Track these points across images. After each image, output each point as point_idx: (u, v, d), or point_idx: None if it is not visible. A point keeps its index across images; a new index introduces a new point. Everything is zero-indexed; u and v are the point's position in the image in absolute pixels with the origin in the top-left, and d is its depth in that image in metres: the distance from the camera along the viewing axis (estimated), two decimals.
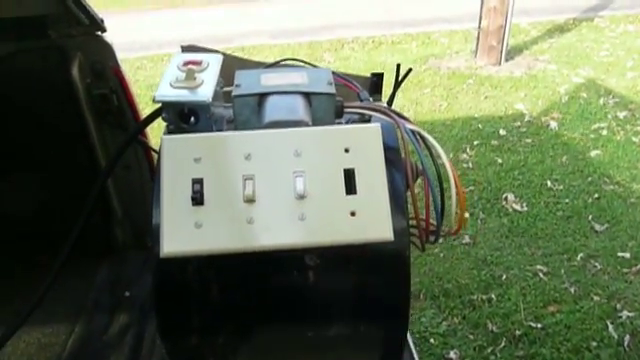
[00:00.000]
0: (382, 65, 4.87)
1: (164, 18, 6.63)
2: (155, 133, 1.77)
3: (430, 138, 0.83)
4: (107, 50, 1.45)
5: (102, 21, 1.37)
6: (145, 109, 1.68)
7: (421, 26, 5.92)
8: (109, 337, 1.45)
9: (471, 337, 2.11)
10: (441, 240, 0.90)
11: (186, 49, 1.12)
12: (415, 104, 4.14)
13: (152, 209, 0.78)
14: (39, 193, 1.61)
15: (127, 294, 1.61)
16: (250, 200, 0.73)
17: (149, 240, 1.75)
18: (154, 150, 1.59)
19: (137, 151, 1.61)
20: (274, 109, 0.81)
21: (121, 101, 1.51)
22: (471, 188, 3.06)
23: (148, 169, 1.66)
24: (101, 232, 1.69)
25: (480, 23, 4.73)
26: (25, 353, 1.42)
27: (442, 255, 2.54)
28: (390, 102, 1.04)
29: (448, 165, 0.81)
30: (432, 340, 2.12)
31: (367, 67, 4.81)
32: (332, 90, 0.85)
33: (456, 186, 0.80)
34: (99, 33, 1.41)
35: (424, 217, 0.84)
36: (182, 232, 0.72)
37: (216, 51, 1.06)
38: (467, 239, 2.64)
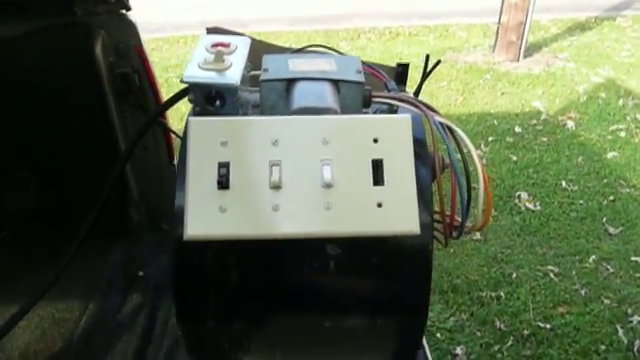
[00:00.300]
0: (399, 56, 4.82)
1: (180, 0, 6.60)
2: (172, 114, 1.77)
3: (459, 131, 0.82)
4: (131, 29, 1.44)
5: None
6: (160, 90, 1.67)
7: (439, 18, 5.85)
8: (122, 316, 1.46)
9: (478, 334, 2.11)
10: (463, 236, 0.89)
11: (211, 31, 1.10)
12: (431, 97, 4.10)
13: (175, 191, 0.77)
14: (58, 171, 1.62)
15: (141, 274, 1.62)
16: (276, 186, 0.72)
17: (164, 222, 1.76)
18: (173, 131, 1.59)
19: (156, 132, 1.61)
20: (302, 95, 0.80)
21: (142, 81, 1.51)
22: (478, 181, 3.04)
23: (166, 150, 1.66)
24: (116, 212, 1.69)
25: (500, 18, 4.67)
26: (39, 327, 1.44)
27: (452, 250, 2.53)
28: (417, 93, 1.02)
29: (477, 160, 0.79)
30: (439, 335, 2.11)
31: (383, 57, 4.76)
32: (361, 79, 0.84)
33: (484, 182, 0.79)
34: (123, 11, 1.40)
35: (447, 211, 0.83)
36: (206, 215, 0.71)
37: (241, 34, 1.04)
38: (478, 235, 2.63)
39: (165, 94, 1.67)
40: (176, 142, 1.74)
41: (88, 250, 1.06)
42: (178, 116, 2.72)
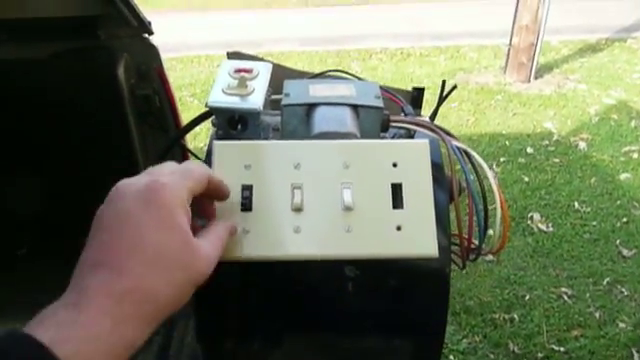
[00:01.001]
0: (410, 77, 4.87)
1: (194, 20, 6.73)
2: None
3: (477, 156, 0.83)
4: (152, 52, 1.48)
5: (149, 23, 1.40)
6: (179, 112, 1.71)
7: (450, 39, 5.91)
8: None
9: (492, 357, 2.09)
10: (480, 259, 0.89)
11: (232, 55, 1.13)
12: (442, 118, 4.11)
13: None
14: (79, 191, 1.65)
15: None
16: (298, 209, 0.73)
17: None
18: (192, 152, 1.61)
19: (175, 153, 1.64)
20: (323, 120, 0.82)
21: (163, 102, 1.54)
22: (496, 206, 3.03)
23: None
24: None
25: (511, 39, 4.71)
26: None
27: (464, 272, 2.52)
28: (433, 117, 1.04)
29: (494, 184, 0.81)
30: (451, 357, 2.10)
31: (395, 78, 4.80)
32: (380, 104, 0.86)
33: (501, 206, 0.80)
34: (146, 35, 1.45)
35: (464, 235, 0.84)
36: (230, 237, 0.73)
37: (260, 59, 1.08)
38: (490, 257, 2.62)
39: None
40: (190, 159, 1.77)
41: None
42: (191, 133, 2.76)
